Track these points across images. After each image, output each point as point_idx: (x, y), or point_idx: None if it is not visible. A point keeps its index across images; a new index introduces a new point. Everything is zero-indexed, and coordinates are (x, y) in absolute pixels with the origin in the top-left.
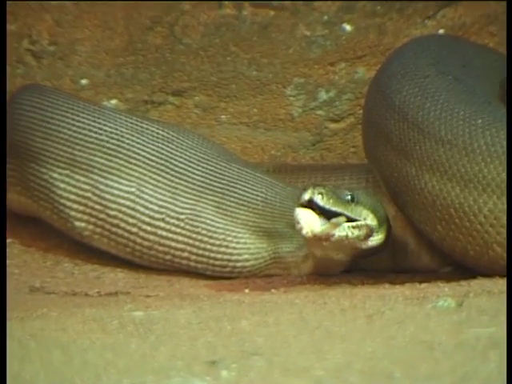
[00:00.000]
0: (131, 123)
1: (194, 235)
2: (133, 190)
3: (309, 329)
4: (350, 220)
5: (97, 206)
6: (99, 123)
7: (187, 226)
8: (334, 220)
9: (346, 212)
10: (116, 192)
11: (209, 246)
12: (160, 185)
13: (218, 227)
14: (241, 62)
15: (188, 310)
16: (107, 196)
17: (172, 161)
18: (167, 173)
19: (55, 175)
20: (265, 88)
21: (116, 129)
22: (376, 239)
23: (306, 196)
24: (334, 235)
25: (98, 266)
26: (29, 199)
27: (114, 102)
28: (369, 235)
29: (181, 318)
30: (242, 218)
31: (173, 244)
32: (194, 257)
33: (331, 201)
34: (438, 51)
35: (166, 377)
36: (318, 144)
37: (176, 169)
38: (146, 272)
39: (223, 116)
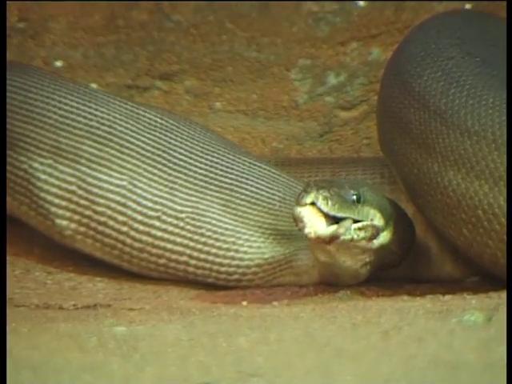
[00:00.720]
0: (126, 109)
1: (196, 237)
2: (124, 183)
3: (316, 346)
4: (355, 220)
5: (82, 201)
6: (90, 107)
7: (188, 226)
8: (340, 224)
9: (352, 216)
10: (105, 185)
11: (214, 250)
12: (156, 178)
13: (227, 228)
14: (238, 41)
15: (177, 325)
16: (95, 190)
17: (170, 151)
18: (164, 165)
19: (36, 165)
20: (266, 71)
21: (108, 114)
22: (381, 238)
23: (308, 199)
24: (338, 238)
25: (75, 275)
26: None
27: (92, 86)
28: (374, 236)
29: (169, 334)
30: (255, 218)
31: (169, 246)
32: (193, 261)
33: (336, 206)
34: (463, 29)
35: None
36: (327, 135)
37: (175, 160)
38: (129, 282)
39: (218, 103)
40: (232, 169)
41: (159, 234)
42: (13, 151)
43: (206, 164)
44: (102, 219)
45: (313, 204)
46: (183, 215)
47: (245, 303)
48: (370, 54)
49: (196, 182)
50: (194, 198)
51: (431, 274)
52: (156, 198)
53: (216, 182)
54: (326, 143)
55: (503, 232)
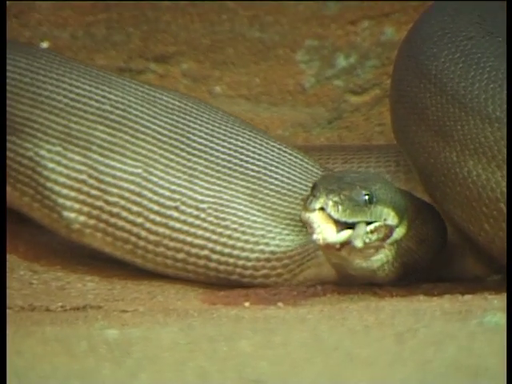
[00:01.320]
0: (142, 92)
1: (219, 229)
2: (139, 171)
3: (324, 351)
4: (368, 222)
5: (93, 192)
6: (103, 90)
7: (210, 218)
8: (353, 233)
9: (364, 219)
10: (118, 174)
11: (240, 244)
12: (173, 164)
13: (255, 221)
14: (240, 20)
15: (174, 328)
16: (107, 179)
17: (189, 135)
18: (182, 150)
19: (42, 152)
20: (269, 53)
21: (123, 97)
22: (395, 235)
23: (317, 205)
24: (350, 243)
25: (63, 274)
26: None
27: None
28: (388, 236)
29: (165, 337)
30: (285, 210)
31: (189, 239)
32: (216, 256)
33: (347, 211)
34: (483, 6)
35: None
36: (336, 122)
37: (194, 145)
38: (121, 282)
39: (218, 87)
40: (259, 155)
41: (178, 225)
42: (16, 137)
43: (229, 149)
44: (115, 210)
45: (322, 209)
46: (204, 205)
47: (247, 304)
48: (382, 34)
49: (218, 168)
50: (216, 187)
51: (449, 271)
52: (174, 187)
53: (241, 169)
54: (334, 130)
55: None
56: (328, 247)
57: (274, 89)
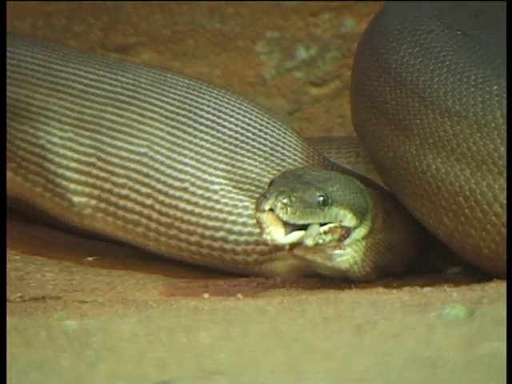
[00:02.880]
0: (153, 73)
1: (235, 210)
2: (144, 150)
3: (284, 342)
4: (322, 223)
5: (102, 174)
6: (116, 74)
7: (224, 200)
8: (302, 232)
9: (316, 221)
10: (124, 154)
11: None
12: (180, 142)
13: None
14: (200, 11)
15: (133, 319)
16: (114, 160)
17: (197, 110)
18: (189, 126)
19: (55, 139)
20: (230, 44)
21: (134, 79)
22: (355, 235)
23: (267, 206)
24: (300, 244)
25: (22, 265)
26: (11, 172)
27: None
28: (345, 236)
29: (124, 328)
30: None
31: (202, 221)
32: (233, 237)
33: (297, 213)
34: (442, 0)
35: None
36: (296, 113)
37: (201, 120)
38: (80, 272)
39: None
40: (266, 133)
41: (189, 207)
42: (29, 126)
43: (236, 125)
44: (123, 192)
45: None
46: (216, 187)
47: (206, 296)
48: (343, 26)
49: (225, 145)
50: (224, 166)
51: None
52: (181, 166)
53: (248, 147)
54: (295, 122)
55: (487, 221)
56: (277, 248)
57: (234, 80)
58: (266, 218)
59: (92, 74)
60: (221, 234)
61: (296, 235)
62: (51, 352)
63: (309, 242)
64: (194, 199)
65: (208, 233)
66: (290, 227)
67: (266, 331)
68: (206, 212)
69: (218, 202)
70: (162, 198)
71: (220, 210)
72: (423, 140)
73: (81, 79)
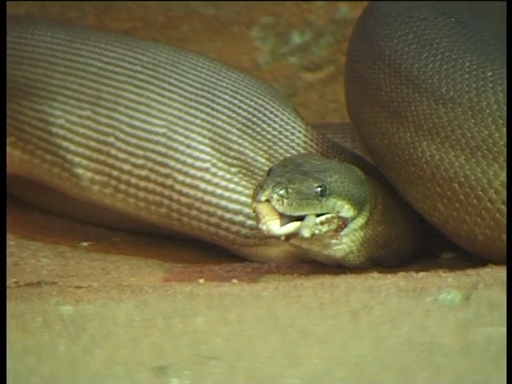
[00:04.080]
0: (174, 52)
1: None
2: (163, 130)
3: (279, 327)
4: (319, 214)
5: (120, 155)
6: (135, 52)
7: (243, 182)
8: (298, 223)
9: (313, 212)
10: (143, 135)
11: None
12: (198, 122)
13: None
14: None
15: (129, 305)
16: (133, 140)
17: (215, 92)
18: (207, 106)
19: (74, 118)
20: (224, 29)
21: (154, 58)
22: (353, 226)
23: (263, 197)
24: (296, 235)
25: (17, 250)
26: (26, 153)
27: None
28: (342, 227)
29: (120, 313)
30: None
31: (222, 203)
32: (250, 221)
33: (293, 205)
34: None
35: None
36: (290, 98)
37: (218, 101)
38: (75, 258)
39: None
40: (276, 115)
41: (210, 188)
42: (48, 106)
43: (249, 106)
44: (143, 173)
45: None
46: (234, 170)
47: (201, 281)
48: (337, 11)
49: (239, 126)
50: (242, 149)
51: None
52: (202, 147)
53: (258, 130)
54: None
55: (481, 207)
56: (274, 238)
57: None
58: (262, 208)
59: (111, 52)
60: (239, 218)
61: (292, 226)
62: (47, 337)
63: (305, 233)
64: (214, 180)
65: (228, 215)
66: (286, 218)
67: (261, 316)
68: (227, 194)
69: (237, 183)
70: (181, 177)
71: (241, 193)
72: (418, 127)
73: (100, 57)
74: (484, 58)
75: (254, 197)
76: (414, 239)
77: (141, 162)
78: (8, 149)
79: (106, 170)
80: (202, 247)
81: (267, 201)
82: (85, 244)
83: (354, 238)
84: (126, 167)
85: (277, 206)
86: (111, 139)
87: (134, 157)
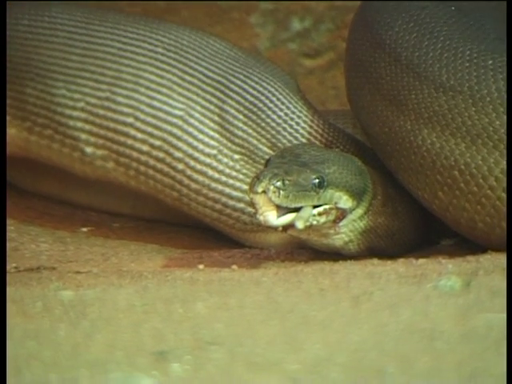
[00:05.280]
0: (195, 36)
1: None
2: (181, 113)
3: (280, 313)
4: (317, 205)
5: (139, 135)
6: (157, 33)
7: (244, 170)
8: (294, 214)
9: (310, 203)
10: (162, 116)
11: None
12: (212, 107)
13: None
14: None
15: (129, 290)
16: (152, 121)
17: (229, 77)
18: (221, 91)
19: (93, 101)
20: (224, 15)
21: (176, 41)
22: (352, 216)
23: (259, 188)
24: (293, 226)
25: (16, 235)
26: (45, 138)
27: None
28: (340, 218)
29: (121, 299)
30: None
31: (227, 190)
32: (249, 209)
33: (290, 196)
34: None
35: (103, 371)
36: None
37: (231, 86)
38: (75, 243)
39: None
40: (283, 103)
41: (216, 175)
42: (66, 90)
43: (259, 92)
44: (160, 155)
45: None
46: (237, 157)
47: (201, 267)
48: None
49: (245, 112)
50: (245, 136)
51: None
52: (212, 133)
53: (263, 116)
54: None
55: (481, 194)
56: (271, 229)
57: None
58: (259, 199)
59: (131, 33)
60: (240, 205)
61: (289, 217)
62: (48, 322)
63: (299, 224)
64: (220, 167)
65: (231, 202)
66: (283, 209)
67: (262, 302)
68: (230, 181)
69: (239, 171)
70: (193, 163)
71: (241, 181)
72: (418, 115)
73: (119, 38)
74: (484, 46)
75: (251, 188)
76: (416, 230)
77: (158, 143)
78: (25, 134)
79: (126, 152)
80: (201, 233)
81: (264, 192)
82: (84, 229)
83: (353, 228)
84: (145, 148)
85: (273, 198)
86: (130, 119)
87: (153, 138)
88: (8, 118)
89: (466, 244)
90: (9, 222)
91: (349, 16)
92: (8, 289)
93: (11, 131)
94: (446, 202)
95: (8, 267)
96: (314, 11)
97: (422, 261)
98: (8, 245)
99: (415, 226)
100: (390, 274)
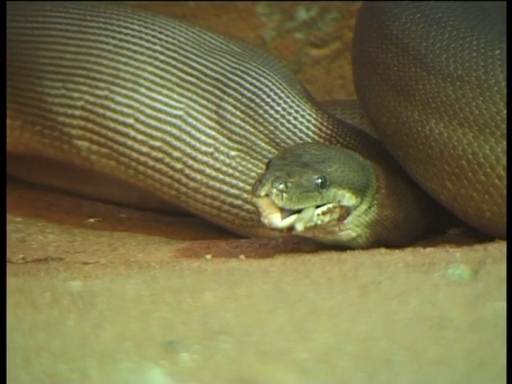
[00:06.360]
0: (192, 32)
1: (249, 180)
2: (180, 113)
3: (288, 302)
4: (320, 205)
5: (139, 137)
6: (153, 30)
7: (240, 167)
8: (299, 217)
9: (313, 204)
10: (162, 116)
11: None
12: (210, 106)
13: None
14: None
15: (138, 280)
16: (152, 122)
17: (226, 73)
18: (219, 89)
19: (92, 99)
20: (230, 5)
21: (174, 38)
22: (356, 212)
23: (262, 192)
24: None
25: (23, 227)
26: (36, 135)
27: None
28: (344, 216)
29: (129, 289)
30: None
31: (224, 188)
32: (248, 206)
33: (293, 198)
34: None
35: (112, 361)
36: (296, 75)
37: (228, 82)
38: (82, 234)
39: None
40: (280, 97)
41: (213, 173)
42: (66, 89)
43: (258, 88)
44: (159, 156)
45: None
46: (233, 153)
47: (209, 257)
48: None
49: (243, 108)
50: (242, 132)
51: None
52: (209, 131)
53: (261, 112)
54: None
55: (489, 184)
56: (276, 230)
57: None
58: (262, 202)
59: (125, 28)
60: (238, 202)
61: (292, 219)
62: (56, 312)
63: (299, 227)
64: (217, 165)
65: (229, 200)
66: (286, 211)
67: (270, 291)
68: (227, 179)
69: (235, 169)
70: (191, 162)
71: (238, 178)
72: (426, 105)
73: (114, 34)
74: (492, 36)
75: (254, 191)
76: (423, 220)
77: (158, 143)
78: (27, 134)
79: (126, 152)
80: (208, 224)
81: (267, 195)
82: (91, 220)
83: (359, 223)
84: (145, 149)
85: (276, 201)
86: (130, 120)
87: (153, 139)
88: (8, 121)
89: (473, 232)
90: (16, 213)
91: (355, 5)
92: (16, 280)
93: (14, 133)
94: (454, 192)
95: (15, 258)
96: (320, 1)
97: (429, 250)
98: (15, 236)
99: (422, 216)
100: (397, 262)
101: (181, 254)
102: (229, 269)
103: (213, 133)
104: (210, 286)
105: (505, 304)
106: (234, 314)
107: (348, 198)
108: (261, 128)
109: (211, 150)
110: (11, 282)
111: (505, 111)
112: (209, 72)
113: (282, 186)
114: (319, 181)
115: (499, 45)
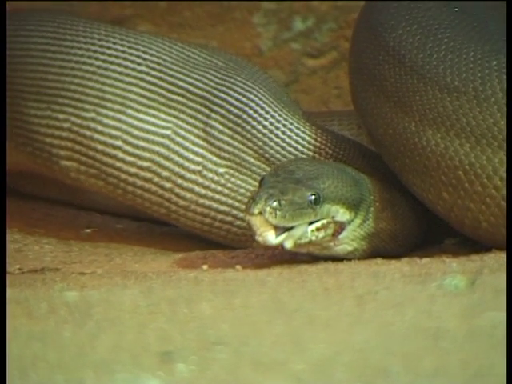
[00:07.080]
0: (176, 50)
1: (239, 197)
2: (168, 132)
3: (285, 313)
4: (313, 221)
5: (128, 158)
6: (137, 50)
7: (229, 184)
8: (291, 233)
9: (307, 220)
10: (151, 137)
11: None
12: (197, 124)
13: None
14: None
15: (134, 291)
16: (140, 143)
17: (213, 90)
18: (205, 106)
19: (79, 121)
20: (226, 15)
21: (159, 57)
22: (351, 227)
23: (256, 210)
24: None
25: (20, 237)
26: (29, 156)
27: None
28: (339, 231)
29: (126, 299)
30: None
31: (214, 205)
32: (238, 222)
33: (287, 216)
34: None
35: (109, 372)
36: (293, 85)
37: (215, 100)
38: (78, 244)
39: None
40: (268, 112)
41: (203, 191)
42: (51, 111)
43: (245, 105)
44: (148, 176)
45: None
46: (222, 170)
47: (205, 267)
48: None
49: (230, 125)
50: (231, 149)
51: None
52: (196, 149)
53: (248, 128)
54: (291, 93)
55: (486, 194)
56: (271, 248)
57: (231, 52)
58: (255, 220)
59: (108, 49)
60: (229, 218)
61: (285, 236)
62: (53, 323)
63: (288, 244)
64: (206, 183)
65: (220, 216)
66: (280, 228)
67: (267, 302)
68: (217, 196)
69: (224, 186)
70: (180, 181)
71: (227, 195)
72: (422, 116)
73: (97, 55)
74: (488, 47)
75: (248, 209)
76: (419, 229)
77: (146, 164)
78: (21, 156)
79: (115, 173)
80: None
81: (260, 213)
82: (88, 231)
83: (354, 237)
84: (133, 170)
85: (270, 219)
86: (119, 143)
87: (142, 160)
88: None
89: (469, 242)
90: (12, 223)
91: (351, 16)
92: (12, 290)
93: (11, 154)
94: (451, 203)
95: (12, 268)
96: (316, 11)
97: (426, 260)
98: (11, 246)
99: (418, 226)
100: (394, 273)
101: (177, 265)
102: (225, 279)
103: (201, 151)
104: (207, 296)
105: (503, 314)
106: (231, 324)
107: (342, 214)
108: (249, 144)
109: (200, 168)
110: (8, 292)
111: (502, 122)
112: (195, 90)
113: (275, 204)
114: (313, 197)
115: (496, 56)
